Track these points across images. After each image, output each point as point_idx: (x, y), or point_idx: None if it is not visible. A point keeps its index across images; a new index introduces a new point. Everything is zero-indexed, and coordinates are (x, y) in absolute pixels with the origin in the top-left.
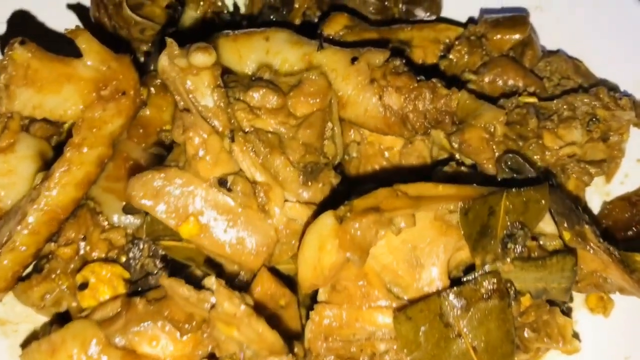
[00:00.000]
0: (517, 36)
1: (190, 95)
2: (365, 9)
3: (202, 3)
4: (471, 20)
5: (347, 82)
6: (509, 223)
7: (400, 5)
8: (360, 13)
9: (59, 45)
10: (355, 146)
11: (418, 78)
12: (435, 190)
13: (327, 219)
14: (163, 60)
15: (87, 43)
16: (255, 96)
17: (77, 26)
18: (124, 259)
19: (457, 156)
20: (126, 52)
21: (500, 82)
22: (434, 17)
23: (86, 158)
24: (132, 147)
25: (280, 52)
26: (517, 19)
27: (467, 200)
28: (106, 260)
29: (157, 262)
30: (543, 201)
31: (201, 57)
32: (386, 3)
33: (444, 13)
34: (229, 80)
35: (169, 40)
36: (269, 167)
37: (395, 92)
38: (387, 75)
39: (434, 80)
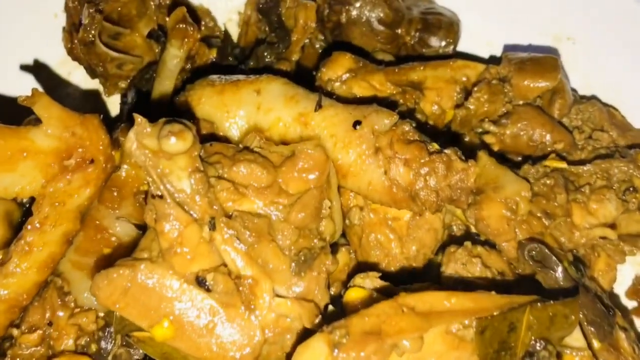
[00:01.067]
0: (546, 84)
1: (164, 180)
2: (373, 38)
3: (186, 40)
4: (492, 59)
5: (348, 151)
6: (531, 340)
7: (412, 33)
8: (365, 50)
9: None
10: (358, 212)
11: (430, 148)
12: (447, 303)
13: (319, 346)
14: (130, 142)
15: (45, 109)
16: (242, 172)
17: (33, 90)
18: (94, 348)
19: (473, 229)
20: (95, 108)
21: (524, 137)
22: (450, 47)
23: (49, 238)
24: (103, 214)
25: (273, 109)
26: (547, 62)
27: (484, 317)
28: (75, 352)
29: (132, 351)
30: (573, 316)
31: (175, 145)
32: (397, 31)
33: (463, 44)
34: (211, 151)
35: (136, 117)
36: (256, 257)
37: (403, 165)
38: (394, 144)
39: (448, 151)
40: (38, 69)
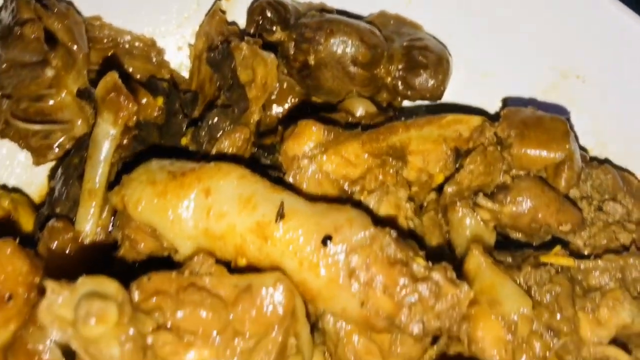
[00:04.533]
0: (553, 155)
1: (91, 349)
2: (348, 82)
3: (121, 114)
4: (488, 116)
5: (317, 273)
6: None
7: (394, 74)
8: (337, 110)
9: None
10: (333, 318)
11: (415, 268)
12: None
13: None
14: (44, 315)
15: None
16: (187, 318)
17: None
18: None
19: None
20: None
21: (525, 218)
22: (440, 90)
23: None
24: (35, 337)
25: (226, 214)
26: (555, 128)
27: None
28: None
29: None
30: None
31: (95, 328)
32: (375, 71)
33: (455, 76)
34: (149, 289)
35: (49, 286)
36: None
37: (383, 293)
38: (371, 265)
39: (436, 275)
40: None
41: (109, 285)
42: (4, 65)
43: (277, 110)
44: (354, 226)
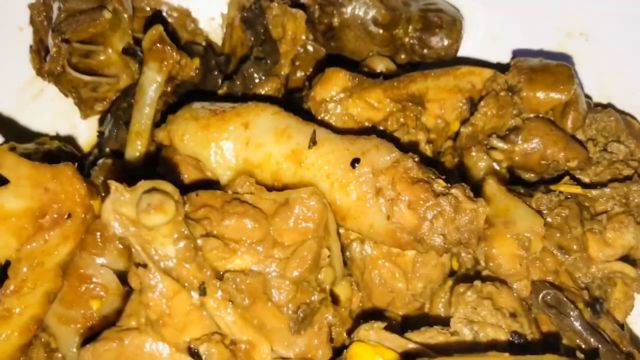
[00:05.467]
0: (559, 96)
1: (148, 248)
2: (369, 42)
3: (165, 62)
4: (500, 64)
5: (347, 192)
6: None
7: (411, 34)
8: (359, 68)
9: None
10: (359, 245)
11: (436, 189)
12: None
13: None
14: (107, 213)
15: (12, 169)
16: (232, 227)
17: None
18: None
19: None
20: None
21: (536, 155)
22: (454, 48)
23: (30, 300)
24: (87, 263)
25: (263, 144)
26: (561, 72)
27: None
28: None
29: None
30: None
31: (155, 219)
32: (395, 32)
33: (467, 40)
34: (197, 204)
35: (112, 184)
36: (251, 319)
37: (407, 208)
38: (396, 184)
39: (456, 191)
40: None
41: (167, 185)
42: (62, 15)
43: (302, 73)
44: (380, 150)
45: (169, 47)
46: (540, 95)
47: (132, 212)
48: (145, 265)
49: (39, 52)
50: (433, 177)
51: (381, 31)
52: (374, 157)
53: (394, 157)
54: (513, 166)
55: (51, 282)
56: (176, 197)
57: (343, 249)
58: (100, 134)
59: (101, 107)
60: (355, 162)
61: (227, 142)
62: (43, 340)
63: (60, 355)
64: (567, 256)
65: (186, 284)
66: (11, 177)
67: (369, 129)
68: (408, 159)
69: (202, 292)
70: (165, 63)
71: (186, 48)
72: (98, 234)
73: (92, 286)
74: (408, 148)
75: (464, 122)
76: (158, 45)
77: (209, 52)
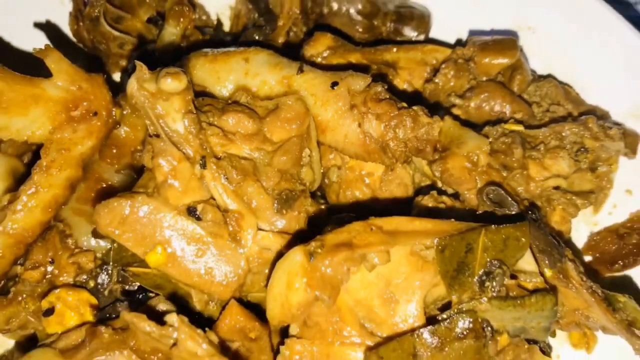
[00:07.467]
0: (505, 60)
1: (161, 121)
2: (352, 28)
3: (182, 19)
4: (459, 43)
5: (327, 108)
6: (487, 260)
7: (388, 24)
8: (346, 33)
9: (28, 65)
10: (336, 170)
11: (399, 105)
12: (411, 225)
13: (296, 255)
14: (132, 85)
15: (56, 63)
16: (230, 121)
17: (46, 45)
18: (92, 284)
19: (439, 184)
20: (100, 70)
21: (486, 108)
22: (422, 37)
23: (54, 180)
24: (104, 169)
25: (260, 73)
26: (507, 42)
27: (443, 237)
28: (73, 285)
29: (127, 287)
30: (523, 239)
31: (171, 83)
32: (374, 22)
33: (433, 34)
34: (203, 103)
35: (138, 63)
36: (241, 195)
37: (375, 119)
38: (367, 102)
39: (415, 107)
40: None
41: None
42: None
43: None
44: (355, 77)
45: (186, 7)
46: (490, 60)
47: (151, 87)
48: (157, 135)
49: (77, 16)
50: (397, 100)
51: (363, 19)
52: (350, 81)
53: (367, 82)
54: (468, 120)
55: (73, 169)
56: (189, 76)
57: (322, 175)
58: (125, 71)
59: (125, 63)
60: (334, 84)
61: (230, 73)
62: (59, 228)
63: (73, 240)
64: (509, 172)
65: (189, 156)
66: (54, 70)
67: (347, 66)
68: (378, 84)
69: (203, 165)
70: (182, 20)
71: (198, 28)
72: (115, 149)
73: (106, 188)
74: (378, 79)
75: (427, 81)
76: (177, 6)
77: (218, 28)
